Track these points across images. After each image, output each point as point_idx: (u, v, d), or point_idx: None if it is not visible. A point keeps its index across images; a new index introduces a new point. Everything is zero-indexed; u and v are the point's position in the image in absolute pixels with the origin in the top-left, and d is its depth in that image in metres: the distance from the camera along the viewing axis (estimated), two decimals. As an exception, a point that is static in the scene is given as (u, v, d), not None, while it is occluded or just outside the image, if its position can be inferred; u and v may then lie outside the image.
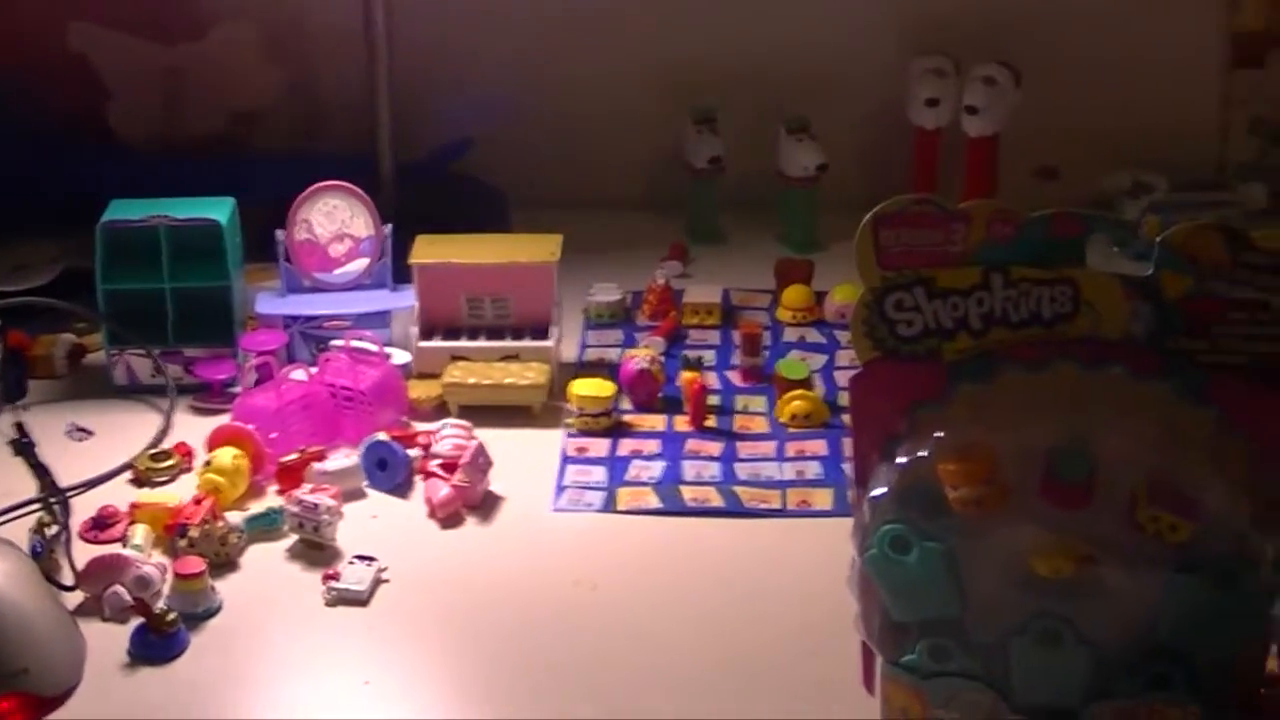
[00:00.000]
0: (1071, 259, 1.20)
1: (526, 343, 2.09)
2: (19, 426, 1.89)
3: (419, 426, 1.97)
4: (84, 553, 1.69)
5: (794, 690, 1.52)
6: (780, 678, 1.54)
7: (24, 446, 1.86)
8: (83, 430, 1.99)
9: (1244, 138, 2.50)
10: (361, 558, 1.70)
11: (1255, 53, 2.49)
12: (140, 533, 1.73)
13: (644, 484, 1.87)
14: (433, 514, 1.81)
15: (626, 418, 2.02)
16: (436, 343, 2.09)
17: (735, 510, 1.82)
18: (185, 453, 1.91)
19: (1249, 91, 2.49)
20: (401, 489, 1.86)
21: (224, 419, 1.93)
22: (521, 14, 2.59)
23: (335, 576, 1.67)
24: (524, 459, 1.92)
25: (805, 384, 2.04)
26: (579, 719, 1.49)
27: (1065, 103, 2.52)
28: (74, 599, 1.64)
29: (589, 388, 1.99)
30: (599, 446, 1.96)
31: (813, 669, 1.55)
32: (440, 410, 2.02)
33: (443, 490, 1.81)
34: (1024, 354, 1.21)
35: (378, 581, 1.68)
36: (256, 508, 1.79)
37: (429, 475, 1.85)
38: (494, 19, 2.60)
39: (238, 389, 2.03)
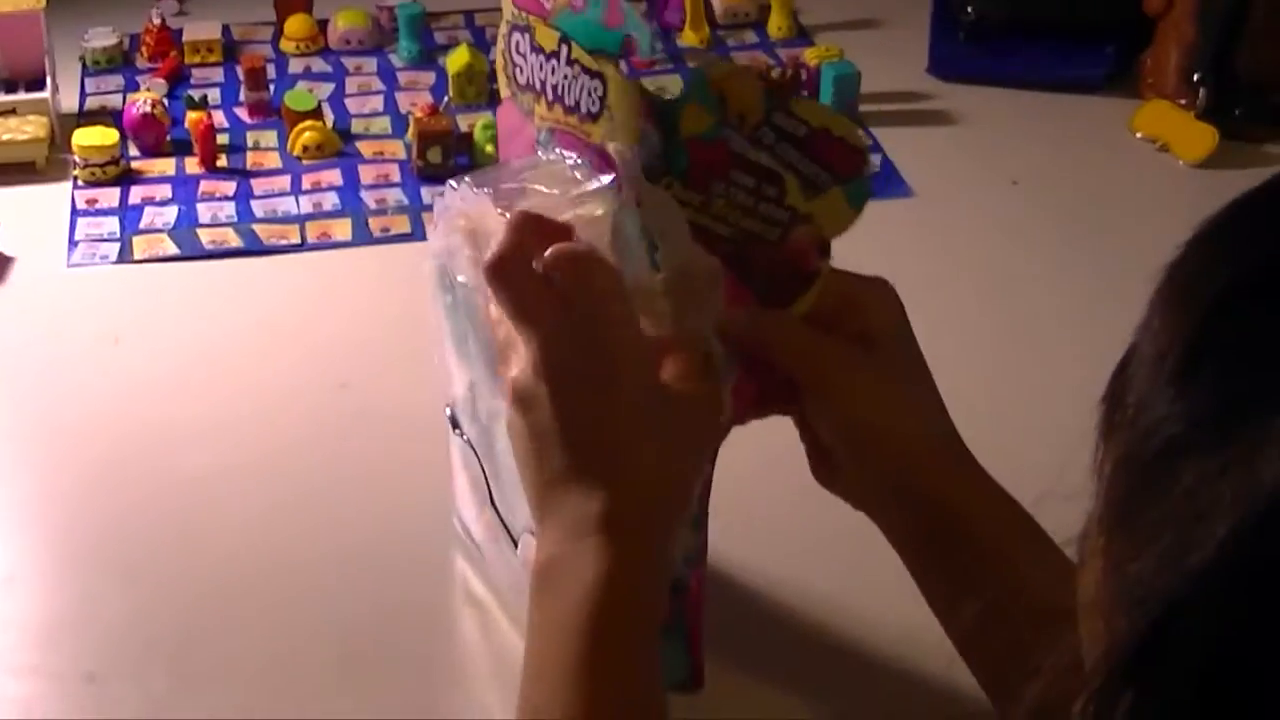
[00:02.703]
0: (612, 54, 1.08)
1: (21, 95, 2.01)
2: None
3: (-85, 194, 1.89)
4: None
5: (327, 411, 1.54)
6: (310, 405, 1.56)
7: None
8: None
9: None
10: None
11: None
12: None
13: (159, 230, 1.84)
14: (-60, 283, 1.75)
15: (135, 164, 1.97)
16: (-76, 104, 2.00)
17: (255, 249, 1.81)
18: None
19: None
20: (-97, 260, 1.79)
21: None
22: None
23: None
24: (32, 216, 1.87)
25: (315, 114, 2.02)
26: (109, 472, 1.48)
27: None
28: None
29: (92, 137, 1.94)
30: (109, 197, 1.91)
31: (343, 394, 1.57)
32: (-64, 174, 1.94)
33: (-53, 257, 1.75)
34: (563, 142, 1.10)
35: (-112, 359, 1.62)
36: None
37: (-69, 243, 1.79)
38: None
39: None
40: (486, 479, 1.23)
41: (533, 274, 0.93)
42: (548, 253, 0.93)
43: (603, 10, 1.08)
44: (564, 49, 1.06)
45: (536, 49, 1.09)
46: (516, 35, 1.11)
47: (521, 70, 1.11)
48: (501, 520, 1.22)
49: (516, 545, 1.19)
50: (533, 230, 0.95)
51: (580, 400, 0.91)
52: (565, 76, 1.07)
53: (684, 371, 0.95)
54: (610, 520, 0.89)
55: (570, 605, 0.88)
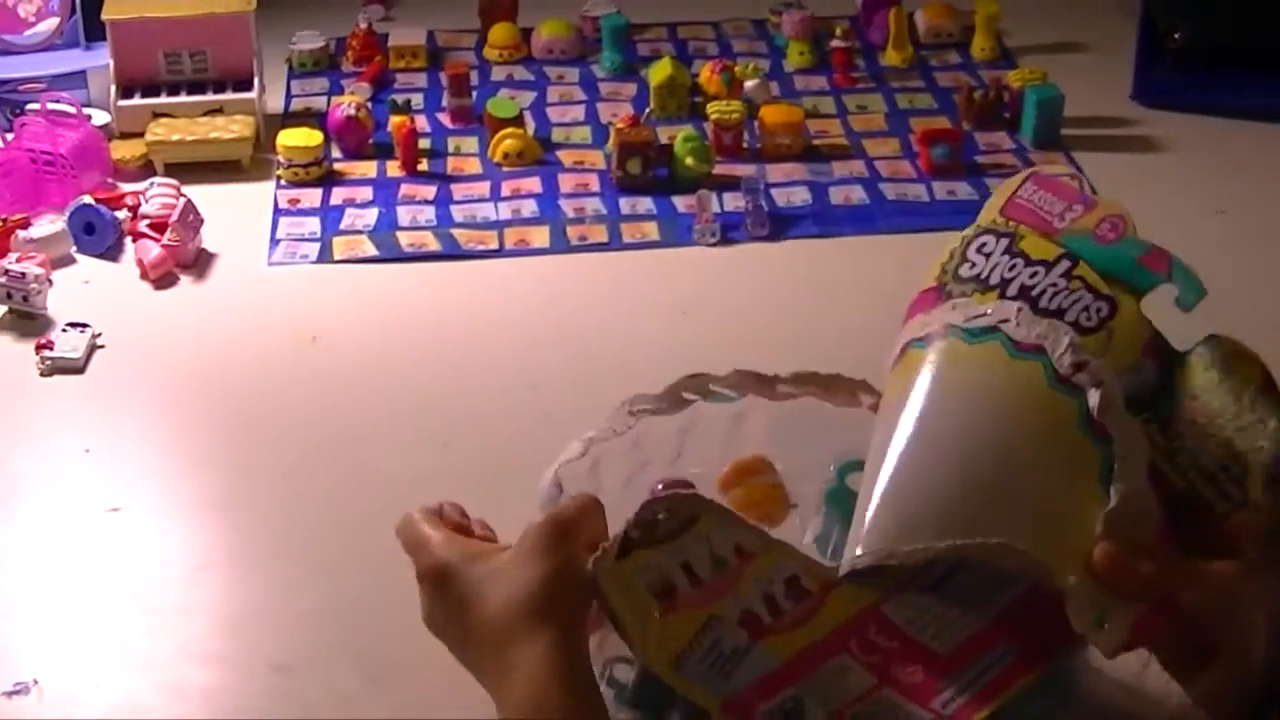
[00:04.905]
0: (1136, 292, 1.09)
1: (229, 95, 2.04)
2: None
3: (125, 187, 1.93)
4: None
5: (522, 429, 1.54)
6: (505, 413, 1.56)
7: None
8: None
9: None
10: (74, 325, 1.67)
11: None
12: None
13: (359, 232, 1.86)
14: (145, 275, 1.78)
15: (337, 166, 2.00)
16: (137, 101, 2.04)
17: (453, 253, 1.83)
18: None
19: None
20: (112, 252, 1.83)
21: (-82, 192, 1.87)
22: None
23: (49, 345, 1.64)
24: (236, 214, 1.90)
25: (517, 122, 2.03)
26: (305, 467, 1.49)
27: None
28: None
29: (296, 138, 1.97)
30: (311, 197, 1.94)
31: (536, 402, 1.57)
32: (146, 170, 1.97)
33: (154, 251, 1.78)
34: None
35: (93, 348, 1.65)
36: (-39, 281, 1.74)
37: (139, 236, 1.82)
38: None
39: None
40: None
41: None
42: None
43: (1141, 253, 1.09)
44: (1064, 263, 1.08)
45: (1016, 252, 1.10)
46: (987, 238, 1.12)
47: (974, 266, 1.11)
48: None
49: None
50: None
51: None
52: (1054, 285, 1.08)
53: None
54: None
55: None
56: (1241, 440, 1.05)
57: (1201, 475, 1.06)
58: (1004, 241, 1.11)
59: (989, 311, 1.07)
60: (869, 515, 1.04)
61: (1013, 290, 1.08)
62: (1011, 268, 1.09)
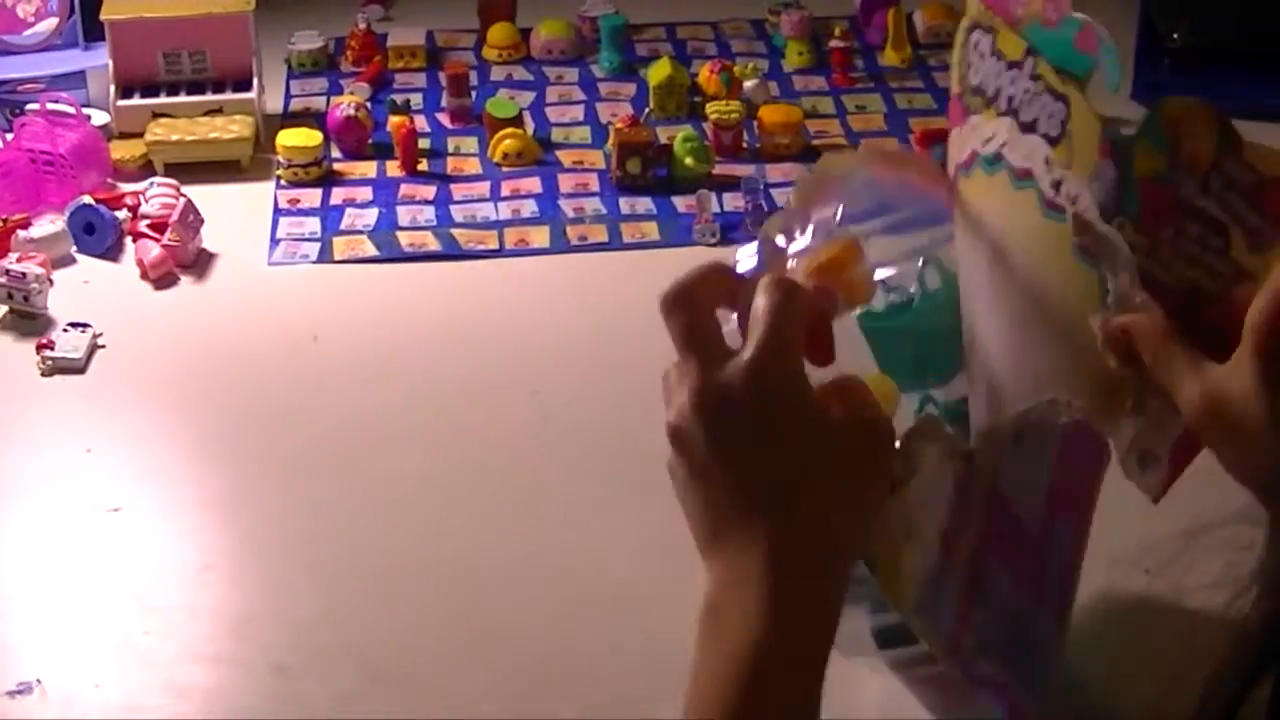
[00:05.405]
0: (1079, 80, 1.02)
1: (228, 95, 2.05)
2: None
3: (125, 187, 1.93)
4: None
5: (523, 429, 1.55)
6: (501, 409, 1.57)
7: None
8: None
9: None
10: (75, 325, 1.67)
11: None
12: None
13: (359, 232, 1.87)
14: (145, 275, 1.78)
15: (337, 166, 2.00)
16: (136, 101, 2.04)
17: (453, 253, 1.83)
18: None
19: None
20: (112, 252, 1.83)
21: (-82, 192, 1.87)
22: None
23: (49, 345, 1.64)
24: (236, 214, 1.90)
25: (516, 122, 2.04)
26: (306, 468, 1.50)
27: None
28: None
29: (296, 138, 1.97)
30: (311, 197, 1.94)
31: (536, 402, 1.57)
32: (146, 170, 1.97)
33: (154, 250, 1.78)
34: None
35: (94, 348, 1.66)
36: (-39, 281, 1.75)
37: (139, 236, 1.82)
38: None
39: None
40: None
41: (705, 312, 0.92)
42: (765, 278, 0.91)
43: (1075, 31, 1.03)
44: (1029, 61, 1.02)
45: (997, 54, 1.05)
46: (978, 34, 1.07)
47: (976, 71, 1.07)
48: None
49: None
50: (722, 278, 0.95)
51: (738, 439, 0.88)
52: (1026, 90, 1.02)
53: (852, 405, 0.94)
54: (771, 564, 0.87)
55: (730, 651, 0.87)
56: (1211, 208, 1.00)
57: (1186, 260, 1.01)
58: (989, 39, 1.05)
59: (992, 137, 1.04)
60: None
61: (1002, 103, 1.04)
62: (998, 74, 1.05)
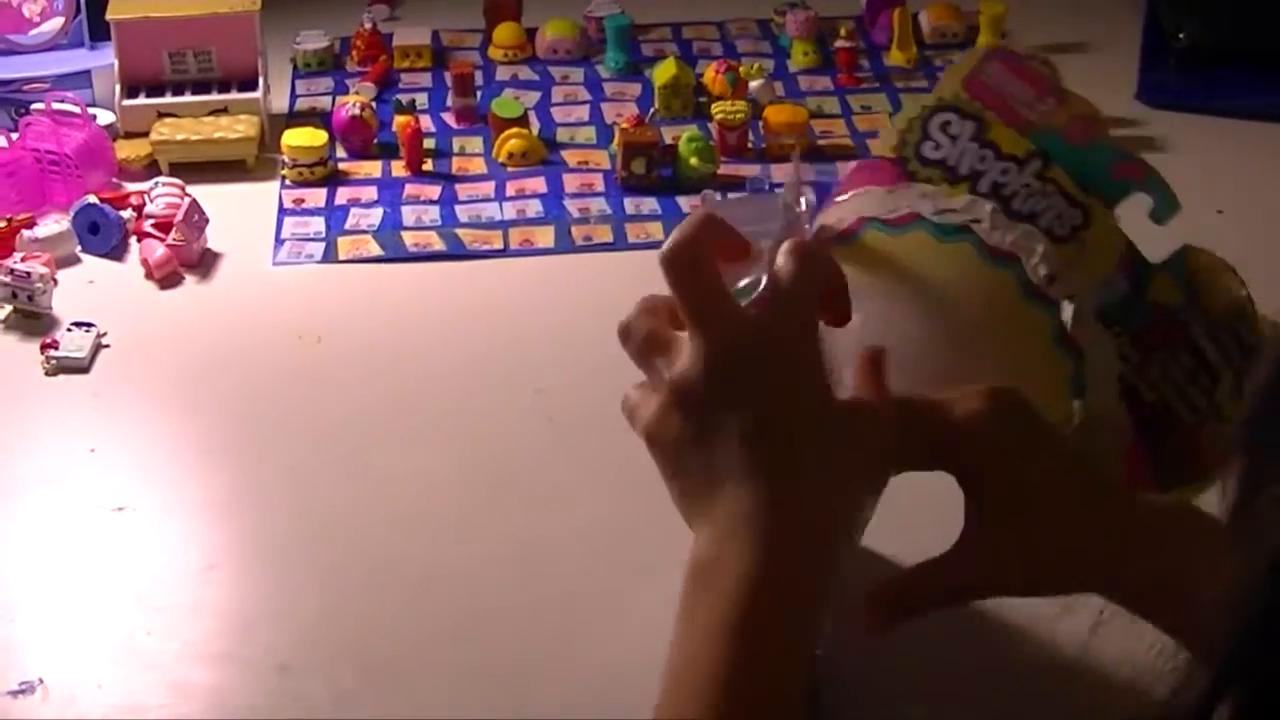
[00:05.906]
0: (1107, 201, 1.05)
1: (234, 95, 2.05)
2: None
3: (130, 187, 1.94)
4: None
5: (527, 429, 1.55)
6: (505, 409, 1.57)
7: None
8: None
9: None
10: (80, 324, 1.67)
11: None
12: None
13: (364, 232, 1.87)
14: (150, 275, 1.78)
15: (342, 166, 2.00)
16: (141, 100, 2.04)
17: (458, 253, 1.83)
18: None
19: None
20: (117, 252, 1.83)
21: (-77, 191, 1.87)
22: None
23: (54, 345, 1.64)
24: (240, 214, 1.90)
25: (521, 122, 2.04)
26: (310, 468, 1.50)
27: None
28: None
29: (301, 137, 1.97)
30: (316, 197, 1.94)
31: (541, 403, 1.57)
32: (151, 169, 1.98)
33: (159, 250, 1.78)
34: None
35: (98, 347, 1.66)
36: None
37: (143, 236, 1.82)
38: None
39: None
40: None
41: (710, 268, 0.90)
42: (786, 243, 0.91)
43: (1112, 160, 1.05)
44: (1036, 162, 1.04)
45: (985, 142, 1.05)
46: (948, 116, 1.08)
47: (938, 148, 1.07)
48: None
49: None
50: (717, 231, 0.94)
51: (749, 399, 0.88)
52: (1027, 186, 1.04)
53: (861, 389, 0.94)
54: (764, 519, 0.86)
55: (718, 606, 0.86)
56: (1211, 352, 1.04)
57: (1172, 387, 1.04)
58: (970, 126, 1.06)
59: (961, 208, 1.04)
60: None
61: (984, 186, 1.04)
62: (982, 159, 1.05)
